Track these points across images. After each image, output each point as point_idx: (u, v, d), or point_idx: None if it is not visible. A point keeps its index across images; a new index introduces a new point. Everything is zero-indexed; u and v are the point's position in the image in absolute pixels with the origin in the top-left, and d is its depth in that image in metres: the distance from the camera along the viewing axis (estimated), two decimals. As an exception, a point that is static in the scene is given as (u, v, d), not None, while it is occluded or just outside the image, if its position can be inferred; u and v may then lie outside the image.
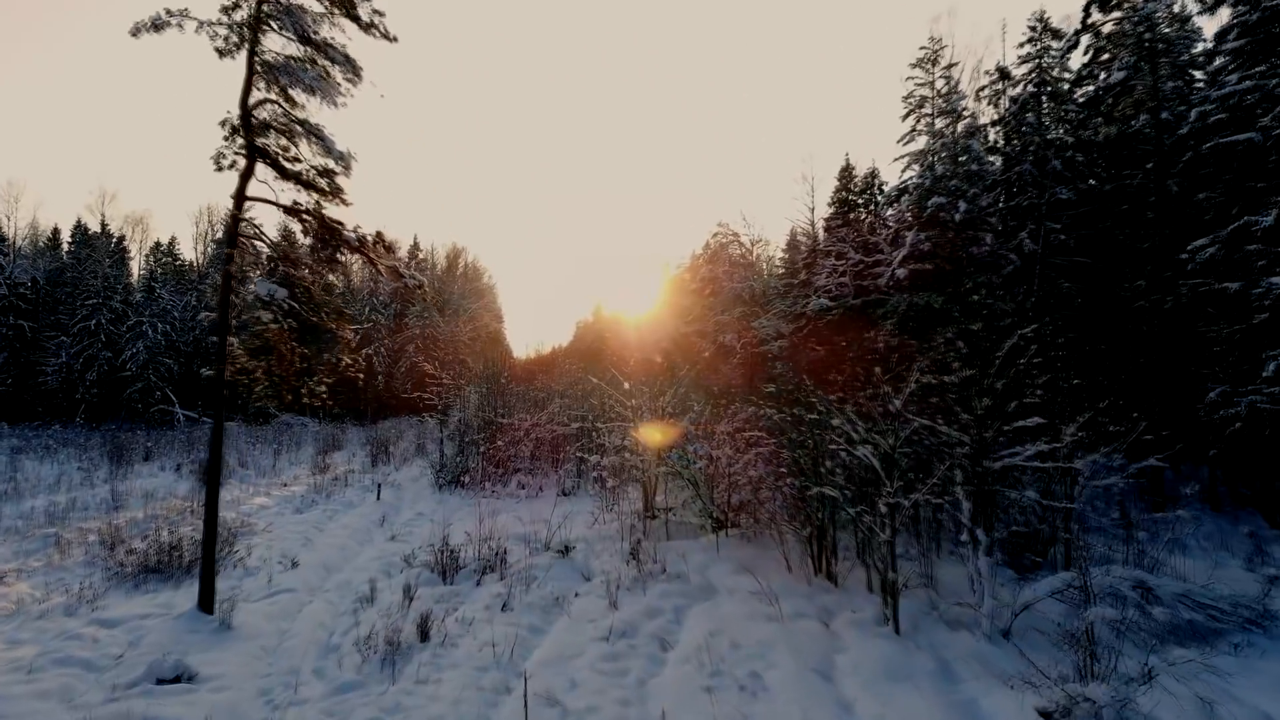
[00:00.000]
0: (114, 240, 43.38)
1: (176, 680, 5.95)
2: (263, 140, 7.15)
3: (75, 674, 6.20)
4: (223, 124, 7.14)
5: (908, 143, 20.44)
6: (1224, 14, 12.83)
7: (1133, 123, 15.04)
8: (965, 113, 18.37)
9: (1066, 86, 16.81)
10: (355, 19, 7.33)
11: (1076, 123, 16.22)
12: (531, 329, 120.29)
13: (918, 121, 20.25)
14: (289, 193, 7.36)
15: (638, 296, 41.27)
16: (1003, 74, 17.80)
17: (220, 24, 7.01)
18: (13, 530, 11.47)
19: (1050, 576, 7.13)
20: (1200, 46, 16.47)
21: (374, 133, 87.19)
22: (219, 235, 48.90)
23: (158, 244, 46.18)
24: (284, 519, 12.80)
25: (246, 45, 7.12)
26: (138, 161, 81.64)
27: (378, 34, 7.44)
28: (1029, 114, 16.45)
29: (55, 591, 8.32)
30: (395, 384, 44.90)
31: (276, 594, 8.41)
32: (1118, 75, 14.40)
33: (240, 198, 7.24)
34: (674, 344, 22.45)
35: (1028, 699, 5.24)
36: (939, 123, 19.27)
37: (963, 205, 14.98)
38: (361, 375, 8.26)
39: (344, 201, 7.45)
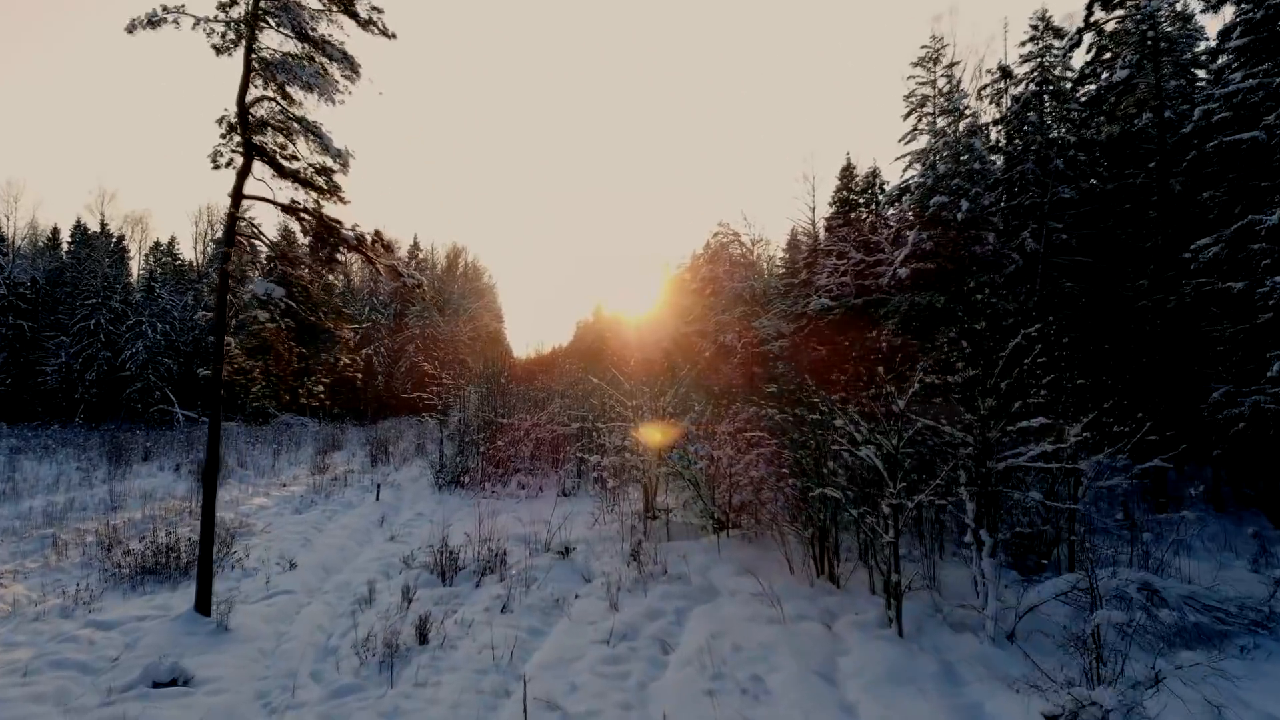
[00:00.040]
0: (113, 240, 43.28)
1: (172, 683, 5.89)
2: (260, 138, 7.08)
3: (71, 677, 6.13)
4: (220, 121, 7.08)
5: (909, 141, 20.38)
6: (1227, 12, 12.79)
7: (1135, 121, 14.98)
8: (967, 112, 18.29)
9: (1069, 85, 16.76)
10: (353, 15, 7.26)
11: (1079, 122, 16.16)
12: (531, 329, 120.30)
13: (919, 120, 20.18)
14: (287, 191, 7.31)
15: (638, 296, 41.22)
16: (1004, 73, 17.72)
17: (217, 21, 6.95)
18: (10, 531, 11.40)
19: (1055, 578, 7.07)
20: (1203, 45, 16.41)
21: (374, 132, 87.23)
22: (219, 235, 48.82)
23: (157, 244, 46.11)
24: (283, 519, 12.73)
25: (244, 42, 7.05)
26: (137, 161, 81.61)
27: (376, 30, 7.38)
28: (1031, 113, 16.38)
29: (51, 593, 8.26)
30: (395, 384, 44.83)
31: (274, 595, 8.34)
32: (1121, 73, 14.34)
33: (237, 196, 7.17)
34: (674, 344, 22.38)
35: (1033, 703, 5.17)
36: (941, 122, 19.20)
37: (965, 204, 14.91)
38: (361, 375, 8.20)
39: (342, 200, 7.39)
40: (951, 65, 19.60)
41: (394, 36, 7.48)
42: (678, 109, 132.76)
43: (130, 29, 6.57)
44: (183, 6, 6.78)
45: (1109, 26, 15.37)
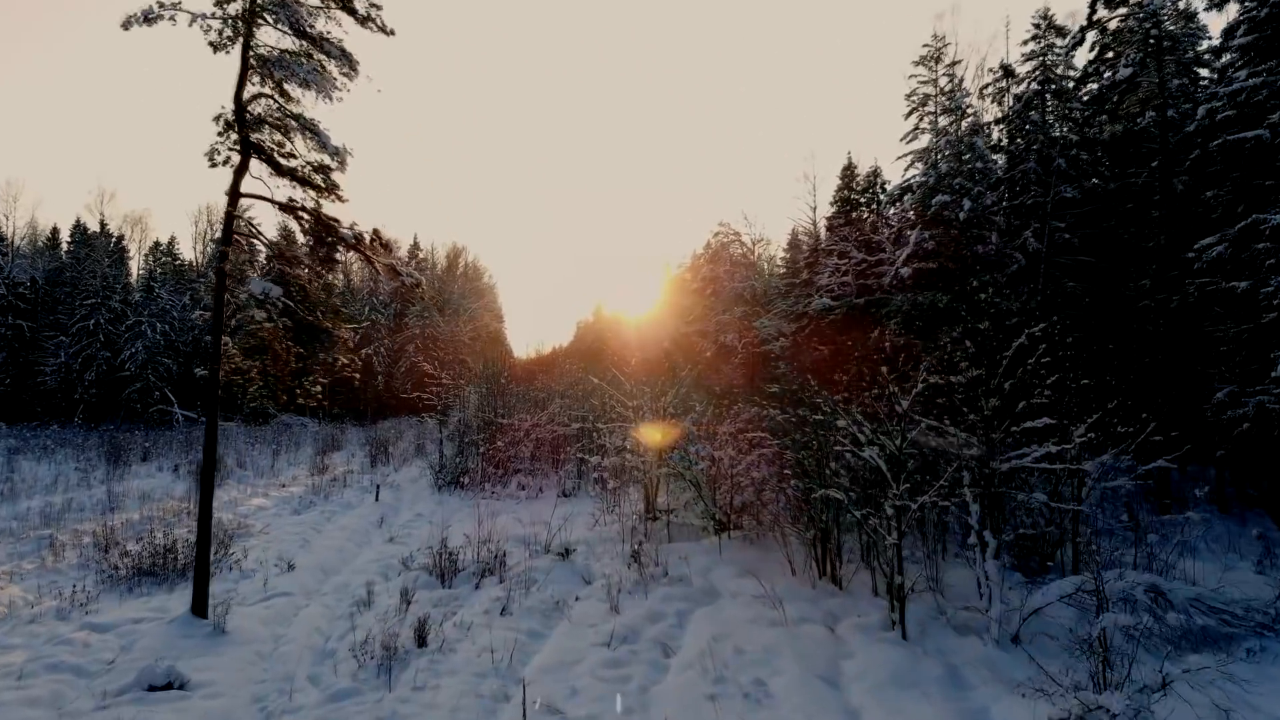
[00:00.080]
0: (113, 240, 43.23)
1: (168, 687, 5.82)
2: (257, 135, 7.02)
3: (66, 680, 6.07)
4: (217, 119, 7.02)
5: (911, 140, 20.31)
6: (1231, 10, 12.71)
7: (1139, 120, 14.91)
8: (969, 111, 18.23)
9: (1071, 84, 16.68)
10: (351, 12, 7.20)
11: (1081, 120, 16.10)
12: (532, 329, 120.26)
13: (921, 119, 20.12)
14: (284, 189, 7.25)
15: (638, 296, 41.21)
16: (1006, 72, 17.67)
17: (214, 17, 6.88)
18: (7, 532, 11.34)
19: (1060, 580, 7.00)
20: (1205, 44, 16.34)
21: (373, 132, 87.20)
22: (218, 234, 48.71)
23: (157, 244, 46.04)
24: (281, 520, 12.67)
25: (241, 39, 6.99)
26: (137, 161, 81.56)
27: (375, 27, 7.31)
28: (1033, 112, 16.32)
29: (48, 595, 8.19)
30: (395, 384, 44.75)
31: (272, 597, 8.28)
32: (1124, 72, 14.26)
33: (235, 194, 7.11)
34: (675, 344, 22.32)
35: (1040, 707, 5.10)
36: (942, 120, 19.14)
37: (967, 203, 14.85)
38: (360, 375, 8.13)
39: (339, 198, 7.32)
40: (953, 64, 19.55)
41: (392, 33, 7.42)
42: (678, 108, 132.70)
43: (125, 25, 6.50)
44: (179, 3, 6.72)
45: (1112, 25, 15.30)
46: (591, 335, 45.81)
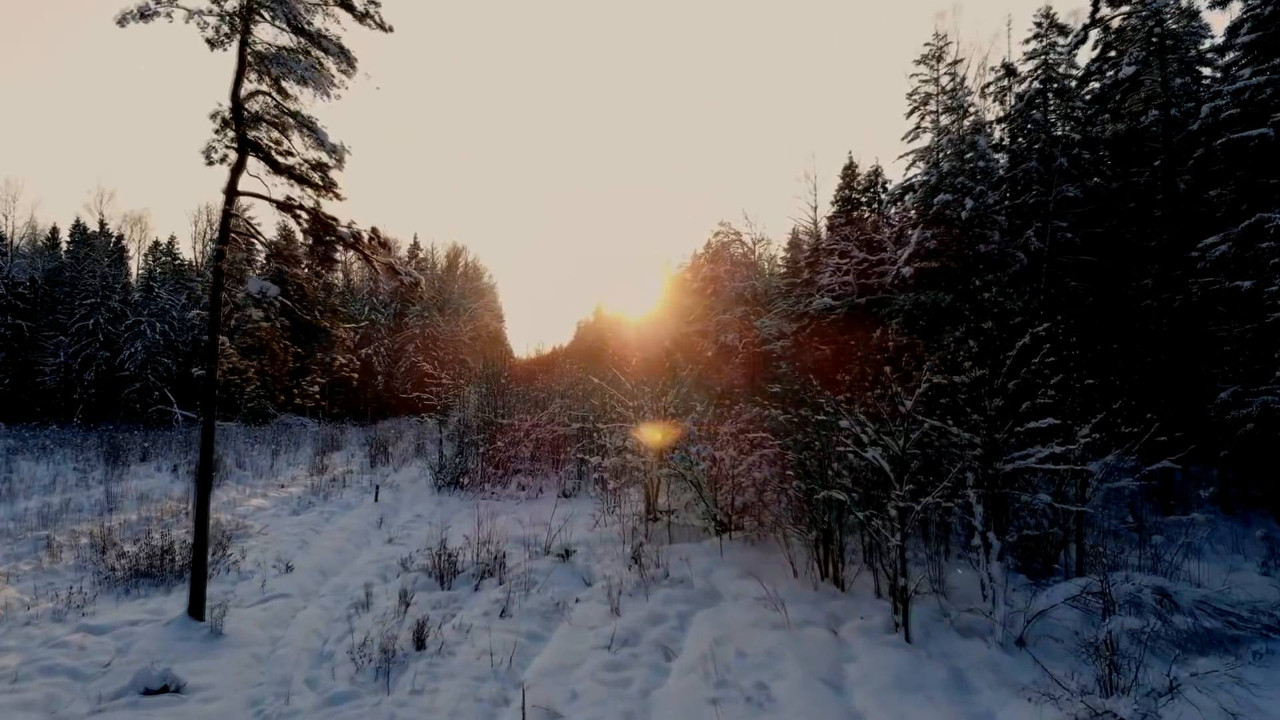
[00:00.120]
0: (113, 239, 43.18)
1: (164, 691, 5.76)
2: (254, 133, 6.95)
3: (61, 684, 6.00)
4: (213, 116, 6.95)
5: (912, 139, 20.23)
6: (1235, 8, 12.66)
7: (1141, 119, 14.84)
8: (971, 109, 18.16)
9: (1073, 83, 16.62)
10: (349, 8, 7.13)
11: (1084, 119, 16.03)
12: (532, 329, 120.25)
13: (922, 118, 20.04)
14: (282, 187, 7.18)
15: (639, 296, 41.14)
16: (1008, 70, 17.60)
17: (211, 14, 6.82)
18: (4, 533, 11.27)
19: (1065, 582, 6.94)
20: (1208, 42, 16.27)
21: (372, 130, 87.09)
22: (217, 234, 48.63)
23: (156, 243, 45.98)
24: (280, 521, 12.60)
25: (238, 36, 6.92)
26: (136, 160, 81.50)
27: (373, 24, 7.25)
28: (1035, 111, 16.26)
29: (44, 596, 8.13)
30: (395, 384, 44.68)
31: (270, 599, 8.21)
32: (1127, 70, 14.19)
33: (231, 192, 7.04)
34: (675, 344, 22.27)
35: (1047, 712, 5.04)
36: (944, 119, 19.07)
37: (969, 202, 14.78)
38: (359, 375, 8.07)
39: (337, 196, 7.26)
40: (955, 63, 19.48)
41: (391, 30, 7.35)
42: (678, 108, 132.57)
43: (121, 22, 6.44)
44: (175, -1, 6.66)
45: (1115, 23, 15.23)
46: (592, 335, 45.76)
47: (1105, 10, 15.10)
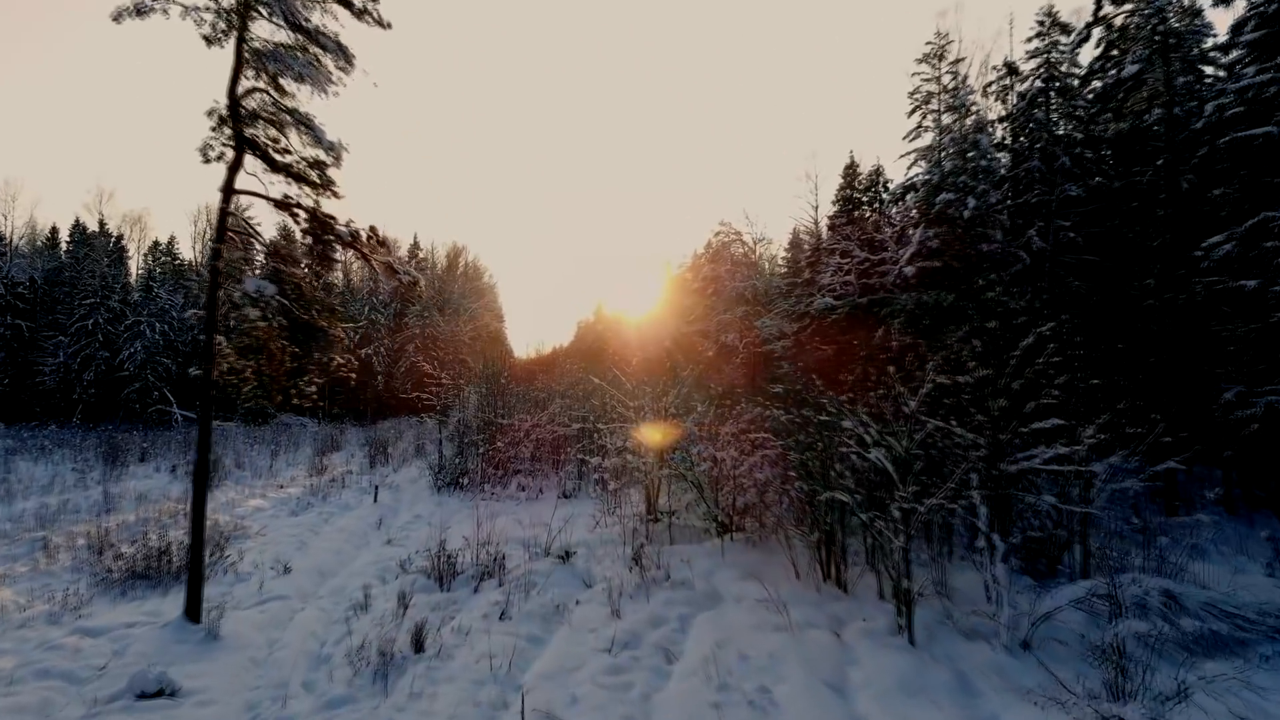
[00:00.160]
0: (112, 239, 43.15)
1: (159, 694, 5.69)
2: (251, 131, 6.88)
3: (56, 687, 5.93)
4: (210, 114, 6.88)
5: (914, 139, 20.16)
6: (1239, 6, 12.59)
7: (1145, 118, 14.76)
8: (973, 108, 18.09)
9: (1076, 82, 16.55)
10: (347, 4, 7.06)
11: (1086, 118, 15.96)
12: (532, 329, 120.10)
13: (924, 117, 19.97)
14: (279, 186, 7.10)
15: (639, 296, 41.07)
16: (1010, 69, 17.53)
17: (207, 10, 6.75)
18: (1, 534, 11.21)
19: (1071, 585, 6.86)
20: (1210, 41, 16.20)
21: (372, 129, 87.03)
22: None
23: (156, 243, 45.97)
24: (279, 522, 12.54)
25: (235, 32, 6.85)
26: (136, 160, 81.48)
27: (371, 20, 7.18)
28: (1037, 110, 16.18)
29: (39, 598, 8.06)
30: (395, 384, 44.63)
31: (267, 601, 8.15)
32: (1130, 69, 14.12)
33: (228, 191, 6.97)
34: (676, 344, 22.20)
35: (1054, 717, 4.97)
36: (946, 118, 19.00)
37: (972, 201, 14.71)
38: (356, 375, 8.00)
39: (335, 194, 7.18)
40: (957, 61, 19.41)
41: (389, 26, 7.28)
42: (678, 107, 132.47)
43: (116, 18, 6.37)
44: (171, -5, 6.58)
45: (1118, 20, 15.16)
46: (592, 335, 45.68)
47: (1108, 8, 15.04)
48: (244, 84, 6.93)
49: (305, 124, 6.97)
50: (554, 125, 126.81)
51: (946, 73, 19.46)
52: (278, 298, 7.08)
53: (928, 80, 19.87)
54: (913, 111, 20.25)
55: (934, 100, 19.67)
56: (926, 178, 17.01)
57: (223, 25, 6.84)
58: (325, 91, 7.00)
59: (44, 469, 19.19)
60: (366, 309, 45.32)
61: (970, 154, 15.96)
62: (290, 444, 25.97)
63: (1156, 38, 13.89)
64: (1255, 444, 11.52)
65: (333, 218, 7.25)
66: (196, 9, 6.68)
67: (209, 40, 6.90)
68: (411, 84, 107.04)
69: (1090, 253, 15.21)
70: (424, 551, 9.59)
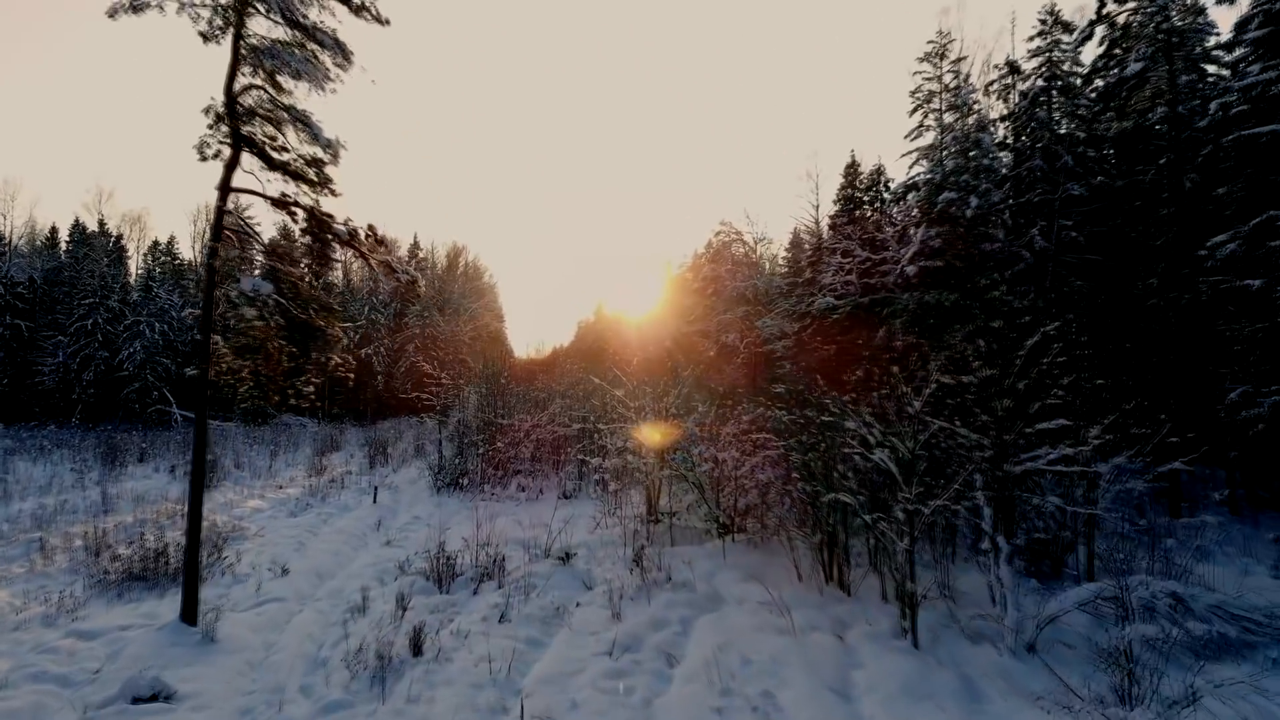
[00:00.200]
0: (112, 239, 43.10)
1: (153, 699, 5.61)
2: (248, 128, 6.81)
3: (49, 691, 5.86)
4: (206, 111, 6.80)
5: (915, 138, 20.09)
6: (1243, 3, 12.50)
7: (1148, 116, 14.68)
8: (975, 107, 18.01)
9: (1078, 81, 16.47)
10: (345, 0, 6.98)
11: (1089, 117, 15.88)
12: (532, 329, 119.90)
13: (925, 116, 19.90)
14: (276, 184, 7.03)
15: (639, 296, 40.95)
16: (1012, 68, 17.45)
17: (204, 6, 6.67)
18: (-3, 535, 11.14)
19: (1078, 587, 6.78)
20: (1213, 40, 16.12)
21: (373, 131, 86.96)
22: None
23: (155, 243, 45.90)
24: (277, 523, 12.46)
25: (231, 29, 6.78)
26: (135, 159, 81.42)
27: (369, 17, 7.10)
28: (1039, 109, 16.11)
29: (35, 600, 7.99)
30: (394, 384, 44.52)
31: (265, 603, 8.07)
32: (1134, 67, 14.04)
33: (225, 189, 6.89)
34: (676, 344, 22.12)
35: (1062, 722, 4.89)
36: (948, 117, 18.92)
37: (974, 200, 14.63)
38: (354, 375, 7.93)
39: (333, 192, 7.11)
40: (958, 60, 19.34)
41: (387, 23, 7.21)
42: (679, 107, 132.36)
43: (112, 14, 6.30)
44: (167, -9, 6.51)
45: (1120, 19, 15.08)
46: (592, 335, 45.59)
47: (1111, 6, 14.96)
48: (241, 81, 6.86)
49: (302, 121, 6.90)
50: (554, 125, 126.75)
51: (948, 71, 19.39)
52: (275, 297, 7.00)
53: (929, 79, 19.81)
54: (914, 110, 20.18)
55: (936, 99, 19.60)
56: (928, 177, 16.94)
57: (219, 22, 6.77)
58: (323, 89, 6.93)
59: (42, 469, 19.10)
60: (366, 309, 45.22)
61: (972, 153, 15.88)
62: (289, 444, 25.88)
63: (1160, 36, 13.81)
64: (1260, 444, 11.42)
65: (331, 216, 7.17)
66: (193, 4, 6.61)
67: (206, 37, 6.83)
68: (411, 83, 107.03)
69: (1093, 252, 15.13)
70: (423, 553, 9.52)
